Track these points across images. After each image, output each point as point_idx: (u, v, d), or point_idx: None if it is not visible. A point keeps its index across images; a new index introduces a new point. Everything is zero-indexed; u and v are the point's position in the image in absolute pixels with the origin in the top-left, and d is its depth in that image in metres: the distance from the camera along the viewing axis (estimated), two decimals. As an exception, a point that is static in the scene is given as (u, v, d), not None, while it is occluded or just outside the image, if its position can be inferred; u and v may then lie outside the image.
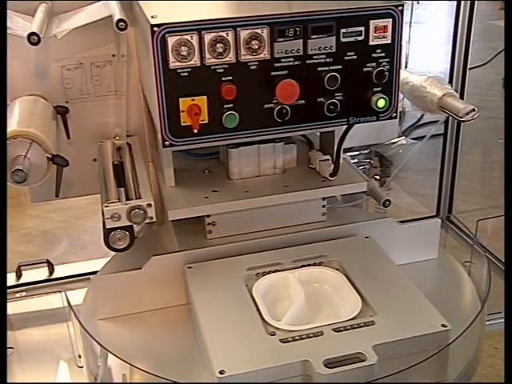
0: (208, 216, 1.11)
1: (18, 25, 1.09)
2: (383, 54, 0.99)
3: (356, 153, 1.86)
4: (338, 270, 1.03)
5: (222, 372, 0.83)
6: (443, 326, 0.90)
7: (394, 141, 2.17)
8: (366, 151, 1.93)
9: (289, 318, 0.93)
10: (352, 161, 1.41)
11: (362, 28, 0.96)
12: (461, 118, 1.12)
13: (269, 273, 1.03)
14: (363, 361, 0.84)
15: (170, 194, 1.12)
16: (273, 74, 0.96)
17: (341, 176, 1.13)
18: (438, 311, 0.92)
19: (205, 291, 0.99)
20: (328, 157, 1.16)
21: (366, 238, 1.11)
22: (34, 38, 0.99)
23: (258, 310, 0.94)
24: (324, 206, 1.17)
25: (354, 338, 0.88)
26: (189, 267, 1.04)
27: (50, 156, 1.02)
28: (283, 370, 0.85)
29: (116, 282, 1.04)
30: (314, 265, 1.05)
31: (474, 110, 1.11)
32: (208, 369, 0.87)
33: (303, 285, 0.99)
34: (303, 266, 1.04)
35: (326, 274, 1.03)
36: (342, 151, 1.13)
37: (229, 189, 1.13)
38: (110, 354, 0.93)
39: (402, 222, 1.20)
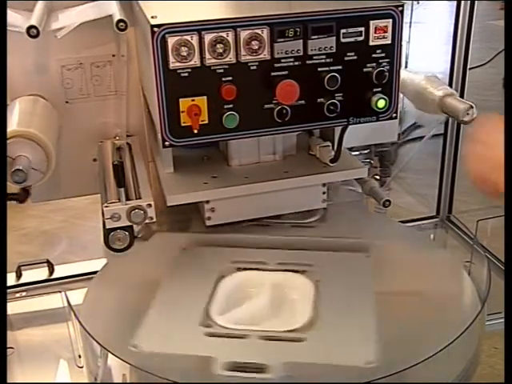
0: (207, 202, 1.11)
1: (17, 22, 1.09)
2: (383, 55, 0.99)
3: (356, 153, 1.86)
4: (317, 281, 1.00)
5: (134, 346, 0.86)
6: (367, 363, 0.83)
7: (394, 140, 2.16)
8: (365, 151, 1.92)
9: (233, 316, 0.93)
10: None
11: (362, 28, 0.97)
12: (461, 119, 1.12)
13: (249, 269, 1.03)
14: (263, 373, 0.82)
15: (169, 179, 1.11)
16: (273, 74, 0.96)
17: (341, 162, 1.12)
18: (375, 347, 0.86)
19: (178, 274, 1.01)
20: (328, 143, 1.15)
21: (367, 256, 1.07)
22: (33, 31, 0.99)
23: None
24: (324, 193, 1.16)
25: (272, 349, 0.87)
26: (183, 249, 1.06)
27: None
28: (190, 360, 0.85)
29: None
30: (297, 271, 1.03)
31: (471, 107, 1.11)
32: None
33: (273, 288, 0.98)
34: (286, 270, 1.03)
35: (299, 283, 1.00)
36: (343, 138, 1.11)
37: (228, 175, 1.12)
38: (109, 354, 0.93)
39: (402, 222, 1.20)
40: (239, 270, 1.03)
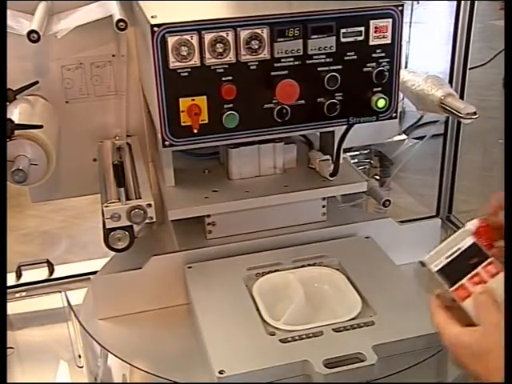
0: (208, 216, 1.11)
1: (18, 23, 1.09)
2: (383, 54, 0.99)
3: (356, 153, 1.86)
4: (337, 270, 1.03)
5: (221, 372, 0.83)
6: None
7: (396, 139, 2.16)
8: (365, 151, 1.92)
9: (288, 318, 0.93)
10: (352, 161, 1.40)
11: (362, 28, 0.96)
12: (463, 115, 1.12)
13: (269, 273, 1.03)
14: (363, 361, 0.84)
15: (170, 193, 1.12)
16: (273, 74, 0.96)
17: (341, 176, 1.13)
18: None
19: (205, 291, 0.99)
20: (328, 157, 1.16)
21: (366, 238, 1.11)
22: (33, 36, 0.99)
23: (257, 310, 0.94)
24: (324, 206, 1.17)
25: (353, 338, 0.88)
26: (189, 267, 1.04)
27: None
28: (283, 369, 0.85)
29: (116, 282, 1.04)
30: (314, 265, 1.05)
31: (475, 113, 1.11)
32: (208, 369, 0.88)
33: (303, 285, 0.99)
34: (303, 266, 1.05)
35: (325, 274, 1.03)
36: (342, 151, 1.13)
37: (229, 189, 1.12)
38: (109, 353, 0.93)
39: (401, 221, 1.20)
40: (258, 275, 1.02)
